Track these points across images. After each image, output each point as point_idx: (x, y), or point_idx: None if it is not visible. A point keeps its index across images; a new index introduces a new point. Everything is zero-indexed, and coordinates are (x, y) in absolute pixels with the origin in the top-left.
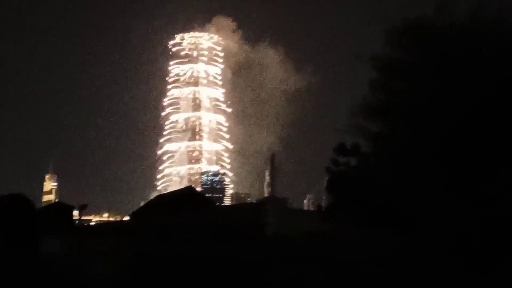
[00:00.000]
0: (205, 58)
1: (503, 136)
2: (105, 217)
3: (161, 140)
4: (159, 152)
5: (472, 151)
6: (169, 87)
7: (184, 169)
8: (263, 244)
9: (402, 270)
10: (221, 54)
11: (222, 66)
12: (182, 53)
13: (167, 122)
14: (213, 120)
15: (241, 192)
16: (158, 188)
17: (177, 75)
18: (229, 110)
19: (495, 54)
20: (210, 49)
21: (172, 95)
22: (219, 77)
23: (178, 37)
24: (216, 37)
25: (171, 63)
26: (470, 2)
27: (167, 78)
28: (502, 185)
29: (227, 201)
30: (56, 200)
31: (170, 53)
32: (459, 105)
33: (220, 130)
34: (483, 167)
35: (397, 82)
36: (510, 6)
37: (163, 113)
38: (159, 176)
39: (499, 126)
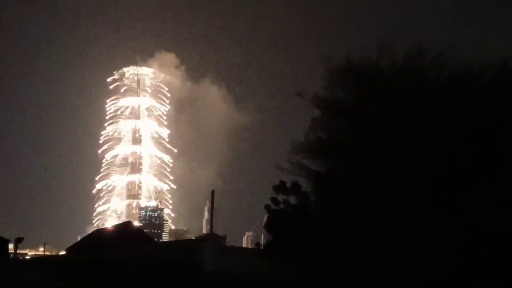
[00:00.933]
0: (146, 93)
1: (437, 181)
2: (41, 251)
3: (100, 175)
4: (97, 186)
5: (407, 193)
6: (107, 122)
7: (122, 204)
8: (200, 281)
9: None
10: (163, 89)
11: (164, 101)
12: (123, 88)
13: (105, 157)
14: (153, 155)
15: (179, 228)
16: (96, 223)
17: (117, 110)
18: (170, 145)
19: (431, 96)
20: (152, 83)
21: (111, 130)
22: (161, 112)
23: (118, 73)
24: (158, 73)
25: (110, 98)
26: (410, 44)
27: (106, 114)
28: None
29: (165, 237)
30: None
31: (110, 88)
32: (395, 144)
33: (160, 165)
34: (416, 212)
35: (338, 121)
36: (448, 50)
37: (102, 148)
38: (97, 211)
39: (437, 168)
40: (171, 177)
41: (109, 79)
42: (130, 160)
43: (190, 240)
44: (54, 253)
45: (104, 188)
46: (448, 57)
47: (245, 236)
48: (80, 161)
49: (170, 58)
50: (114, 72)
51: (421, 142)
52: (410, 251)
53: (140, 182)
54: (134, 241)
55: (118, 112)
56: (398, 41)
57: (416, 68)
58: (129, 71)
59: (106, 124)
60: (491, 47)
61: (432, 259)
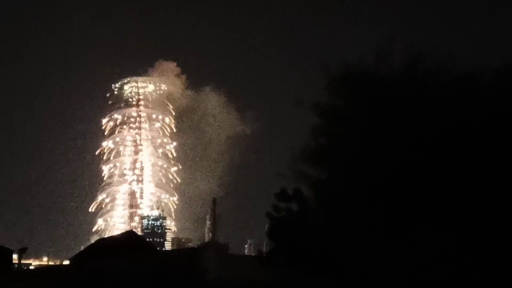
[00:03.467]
0: (147, 103)
1: (435, 180)
2: (44, 261)
3: (101, 185)
4: (99, 196)
5: (406, 195)
6: (108, 133)
7: (124, 214)
8: None
9: None
10: (164, 99)
11: (165, 110)
12: (124, 98)
13: (107, 167)
14: (154, 164)
15: (182, 236)
16: (99, 232)
17: (117, 121)
18: (171, 154)
19: (430, 101)
20: (152, 93)
21: (113, 141)
22: (162, 122)
23: (119, 83)
24: (159, 82)
25: (111, 109)
26: (408, 52)
27: (106, 125)
28: (434, 230)
29: (168, 246)
30: None
31: (110, 98)
32: (395, 151)
33: (162, 174)
34: (415, 210)
35: (338, 128)
36: (446, 57)
37: (103, 159)
38: (99, 220)
39: (432, 171)
40: (173, 186)
41: (109, 90)
42: (131, 170)
43: (192, 248)
44: (58, 263)
45: (106, 198)
46: (447, 62)
47: (247, 244)
48: (82, 172)
49: (170, 67)
50: (117, 81)
51: (422, 146)
52: (413, 258)
53: (142, 192)
54: (137, 250)
55: (119, 123)
56: (396, 48)
57: (415, 74)
58: (129, 81)
59: (106, 135)
60: (490, 51)
61: (428, 265)
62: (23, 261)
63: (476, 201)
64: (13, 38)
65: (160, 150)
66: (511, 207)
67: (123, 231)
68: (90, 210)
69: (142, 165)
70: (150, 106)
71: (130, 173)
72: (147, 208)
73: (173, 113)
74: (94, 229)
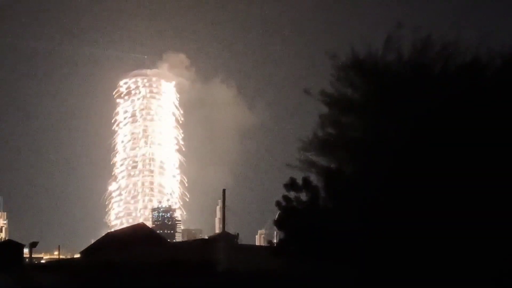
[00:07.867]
0: (156, 95)
1: (446, 170)
2: (55, 254)
3: (111, 177)
4: (109, 188)
5: (419, 188)
6: (118, 126)
7: (134, 206)
8: (213, 280)
9: None
10: (174, 91)
11: (174, 102)
12: (133, 91)
13: (117, 159)
14: (164, 156)
15: (192, 228)
16: (109, 224)
17: (127, 113)
18: (181, 146)
19: (440, 88)
20: (161, 85)
21: (123, 133)
22: (171, 113)
23: (129, 76)
24: (168, 74)
25: (120, 102)
26: (416, 37)
27: (117, 117)
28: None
29: (178, 237)
30: (6, 238)
31: (120, 91)
32: (404, 139)
33: (172, 166)
34: (429, 200)
35: (346, 117)
36: (455, 41)
37: (113, 151)
38: (109, 213)
39: (443, 159)
40: (183, 177)
41: (119, 83)
42: (141, 162)
43: (203, 239)
44: (68, 256)
45: (116, 190)
46: (455, 48)
47: (258, 234)
48: (92, 164)
49: (180, 59)
50: (127, 74)
51: (431, 135)
52: (422, 248)
53: (152, 183)
54: (147, 242)
55: (128, 115)
56: (404, 34)
57: (423, 61)
58: (139, 74)
59: (117, 128)
60: (499, 35)
61: (443, 256)
62: (34, 255)
63: (485, 196)
64: (28, 33)
65: (169, 142)
66: None
67: (133, 223)
68: (100, 202)
69: (152, 156)
70: (160, 98)
71: (140, 165)
72: (157, 200)
73: (183, 105)
74: (104, 222)
